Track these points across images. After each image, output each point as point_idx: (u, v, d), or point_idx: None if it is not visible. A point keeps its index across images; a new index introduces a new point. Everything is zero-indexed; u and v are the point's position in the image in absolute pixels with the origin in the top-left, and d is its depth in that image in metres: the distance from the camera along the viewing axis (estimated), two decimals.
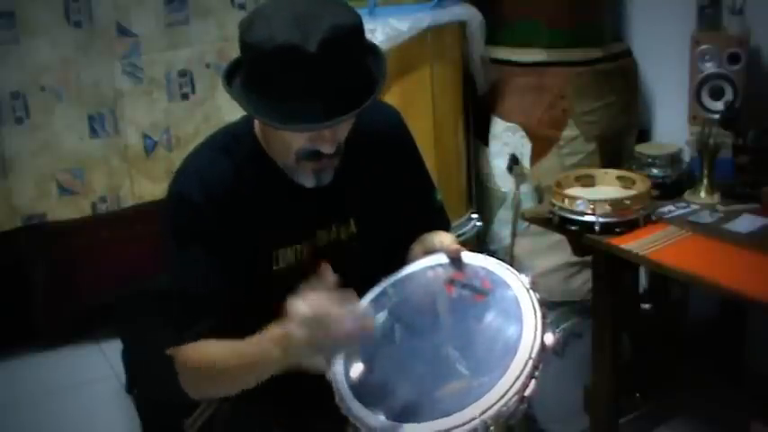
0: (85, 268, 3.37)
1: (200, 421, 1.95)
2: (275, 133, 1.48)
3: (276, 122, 1.41)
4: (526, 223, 2.72)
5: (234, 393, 1.51)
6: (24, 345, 3.28)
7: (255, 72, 1.41)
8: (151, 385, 2.70)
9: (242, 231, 1.52)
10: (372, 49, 1.51)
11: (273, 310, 1.55)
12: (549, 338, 1.33)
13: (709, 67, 2.57)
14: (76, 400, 3.03)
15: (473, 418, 1.24)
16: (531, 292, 1.38)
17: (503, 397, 1.24)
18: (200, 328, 1.48)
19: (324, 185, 1.52)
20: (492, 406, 1.24)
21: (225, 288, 1.50)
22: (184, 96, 3.16)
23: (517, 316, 1.35)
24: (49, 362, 3.25)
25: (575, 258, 2.53)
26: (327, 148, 1.45)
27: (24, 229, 3.06)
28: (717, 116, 2.51)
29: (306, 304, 1.32)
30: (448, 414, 1.26)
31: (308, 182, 1.51)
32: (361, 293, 1.52)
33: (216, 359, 1.46)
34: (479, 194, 3.15)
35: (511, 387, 1.25)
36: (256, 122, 1.55)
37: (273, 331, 1.37)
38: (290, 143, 1.46)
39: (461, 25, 2.93)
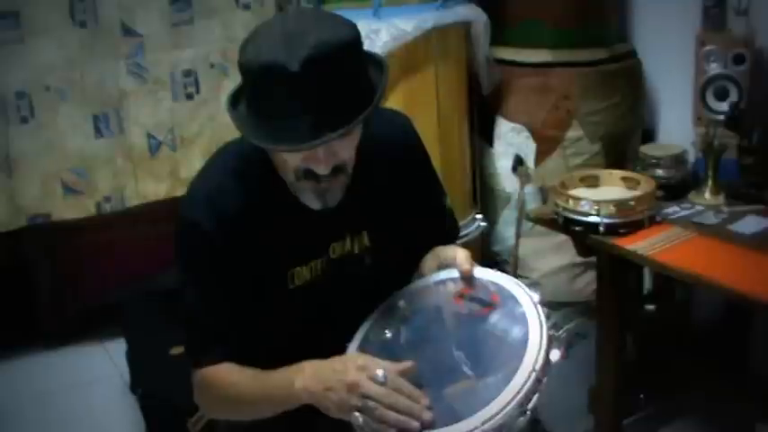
0: (90, 268, 3.38)
1: (203, 421, 1.96)
2: (275, 153, 1.47)
3: (263, 141, 1.39)
4: (531, 224, 2.72)
5: (248, 419, 1.54)
6: (29, 344, 3.29)
7: (248, 92, 1.42)
8: (155, 385, 2.70)
9: (256, 254, 1.51)
10: (373, 59, 1.48)
11: (291, 328, 1.56)
12: (555, 355, 1.34)
13: (714, 68, 2.57)
14: (81, 400, 3.03)
15: (475, 428, 1.24)
16: (538, 306, 1.40)
17: (504, 408, 1.25)
18: (216, 355, 1.52)
19: (330, 206, 1.49)
20: (493, 417, 1.25)
21: (238, 314, 1.53)
22: (189, 96, 3.16)
23: (523, 328, 1.37)
24: (54, 361, 3.26)
25: (579, 259, 2.53)
26: (321, 169, 1.41)
27: (29, 228, 3.06)
28: (722, 117, 2.51)
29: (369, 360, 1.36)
30: (456, 418, 1.27)
31: (313, 203, 1.48)
32: (372, 305, 1.54)
33: (241, 385, 1.49)
34: (484, 195, 3.15)
35: (513, 399, 1.26)
36: None
37: (301, 364, 1.41)
38: (287, 162, 1.44)
39: (466, 26, 2.94)
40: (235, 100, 1.47)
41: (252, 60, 1.36)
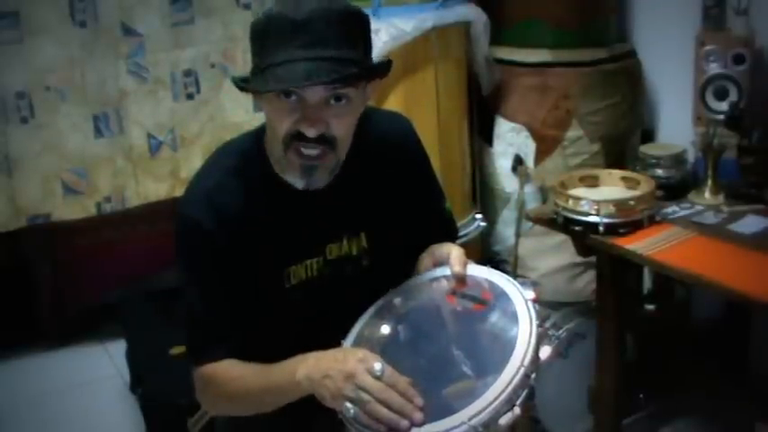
0: (90, 268, 3.38)
1: (204, 420, 1.96)
2: (270, 127, 1.47)
3: (258, 86, 1.42)
4: (530, 224, 2.72)
5: (251, 414, 1.54)
6: (29, 344, 3.29)
7: (253, 50, 1.44)
8: (155, 385, 2.70)
9: (254, 253, 1.52)
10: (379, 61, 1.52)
11: (289, 327, 1.57)
12: (545, 352, 1.35)
13: (714, 68, 2.57)
14: (81, 400, 3.03)
15: (462, 423, 1.25)
16: (529, 303, 1.40)
17: (491, 404, 1.25)
18: (219, 352, 1.52)
19: (315, 187, 1.49)
20: (480, 412, 1.25)
21: (239, 311, 1.53)
22: (189, 96, 3.16)
23: (514, 326, 1.37)
24: (54, 361, 3.26)
25: (579, 259, 2.53)
26: (310, 131, 1.41)
27: (29, 228, 3.06)
28: (721, 117, 2.51)
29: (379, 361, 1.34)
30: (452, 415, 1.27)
31: (298, 181, 1.48)
32: (368, 306, 1.54)
33: (243, 378, 1.50)
34: (483, 195, 3.15)
35: (500, 394, 1.26)
36: (266, 138, 1.53)
37: (305, 355, 1.41)
38: (279, 128, 1.44)
39: (466, 25, 2.93)
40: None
41: (260, 18, 1.42)
